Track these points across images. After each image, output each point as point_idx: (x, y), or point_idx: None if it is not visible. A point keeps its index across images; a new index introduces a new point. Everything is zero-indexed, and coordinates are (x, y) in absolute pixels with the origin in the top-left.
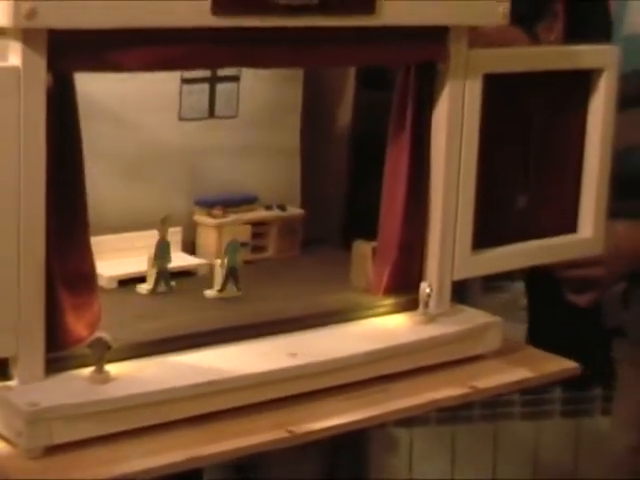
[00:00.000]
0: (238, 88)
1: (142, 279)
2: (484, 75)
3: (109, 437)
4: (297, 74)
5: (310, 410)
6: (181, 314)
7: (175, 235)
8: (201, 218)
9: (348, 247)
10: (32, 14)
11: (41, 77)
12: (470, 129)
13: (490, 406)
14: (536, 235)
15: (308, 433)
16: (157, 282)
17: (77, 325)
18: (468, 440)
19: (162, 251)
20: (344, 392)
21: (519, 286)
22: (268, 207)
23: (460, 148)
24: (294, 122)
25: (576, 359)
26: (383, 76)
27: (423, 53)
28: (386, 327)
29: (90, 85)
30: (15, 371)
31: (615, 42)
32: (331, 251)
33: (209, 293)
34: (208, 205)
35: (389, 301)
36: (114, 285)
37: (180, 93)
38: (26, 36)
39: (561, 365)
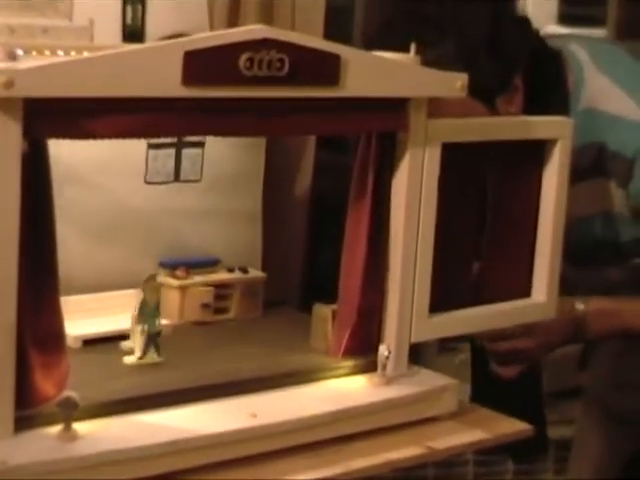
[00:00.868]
0: (203, 153)
1: (107, 339)
2: (443, 144)
3: None
4: (260, 140)
5: (269, 469)
6: (141, 375)
7: (139, 296)
8: (165, 279)
9: (308, 309)
10: (9, 84)
11: (17, 143)
12: (429, 195)
13: (444, 466)
14: (491, 299)
15: None
16: (146, 348)
17: (46, 384)
18: None
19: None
20: (303, 452)
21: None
22: (230, 269)
23: (419, 213)
24: (256, 187)
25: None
26: (343, 140)
27: (384, 123)
28: (345, 389)
29: (59, 149)
30: None
31: (572, 115)
32: (292, 313)
33: (128, 359)
34: (172, 267)
35: (348, 363)
36: (79, 345)
37: (146, 157)
38: (3, 104)
39: (515, 427)
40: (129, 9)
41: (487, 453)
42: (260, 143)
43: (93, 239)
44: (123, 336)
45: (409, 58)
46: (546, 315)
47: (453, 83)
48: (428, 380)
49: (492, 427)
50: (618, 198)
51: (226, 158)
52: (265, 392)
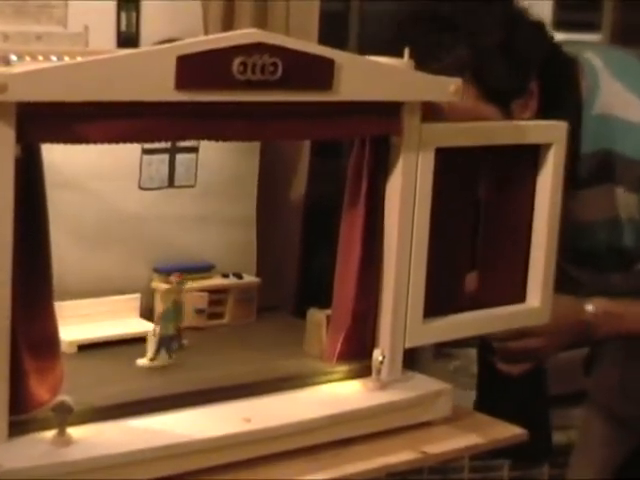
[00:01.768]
0: (197, 158)
1: (102, 344)
2: (436, 148)
3: None
4: (254, 145)
5: (263, 474)
6: (135, 380)
7: (134, 301)
8: (159, 285)
9: (302, 314)
10: (3, 88)
11: (10, 148)
12: (423, 200)
13: (439, 471)
14: (486, 304)
15: None
16: (157, 351)
17: (40, 389)
18: None
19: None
20: (297, 456)
21: (470, 353)
22: (225, 275)
23: (413, 218)
24: (251, 192)
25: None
26: (337, 145)
27: (377, 127)
28: (339, 393)
29: (53, 154)
30: None
31: (585, 121)
32: (286, 318)
33: (140, 362)
34: (166, 272)
35: (342, 368)
36: (74, 350)
37: (140, 163)
38: None
39: (509, 431)
40: (124, 15)
41: (483, 458)
42: (254, 148)
43: (87, 244)
44: (118, 341)
45: (402, 62)
46: (540, 320)
47: (446, 87)
48: (422, 385)
49: (487, 432)
50: (627, 204)
51: (220, 163)
52: (259, 397)
